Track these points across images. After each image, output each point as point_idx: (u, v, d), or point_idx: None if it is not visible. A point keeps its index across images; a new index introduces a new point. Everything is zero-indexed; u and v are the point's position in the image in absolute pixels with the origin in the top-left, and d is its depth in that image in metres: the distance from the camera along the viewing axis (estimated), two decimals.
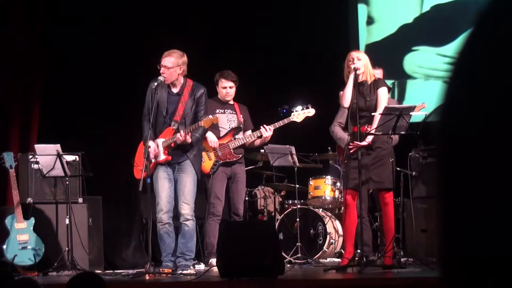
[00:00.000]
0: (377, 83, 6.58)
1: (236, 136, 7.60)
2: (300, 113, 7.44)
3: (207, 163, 7.40)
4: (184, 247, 6.77)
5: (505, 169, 0.70)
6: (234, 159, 7.53)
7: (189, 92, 6.78)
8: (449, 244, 0.76)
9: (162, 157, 6.72)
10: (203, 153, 7.29)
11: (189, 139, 6.64)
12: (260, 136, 7.52)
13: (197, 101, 6.77)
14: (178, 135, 6.59)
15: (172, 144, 6.69)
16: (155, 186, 6.76)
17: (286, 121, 7.46)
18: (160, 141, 6.72)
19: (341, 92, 6.50)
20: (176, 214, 6.87)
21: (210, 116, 6.68)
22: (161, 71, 6.68)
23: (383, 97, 6.51)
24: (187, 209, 6.71)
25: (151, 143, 6.62)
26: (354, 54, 6.61)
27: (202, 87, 6.86)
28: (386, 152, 6.50)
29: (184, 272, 6.58)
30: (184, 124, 6.70)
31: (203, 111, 6.78)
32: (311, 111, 7.47)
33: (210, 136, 7.38)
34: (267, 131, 7.43)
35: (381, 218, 7.45)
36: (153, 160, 6.69)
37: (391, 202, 6.46)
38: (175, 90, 6.79)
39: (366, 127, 6.43)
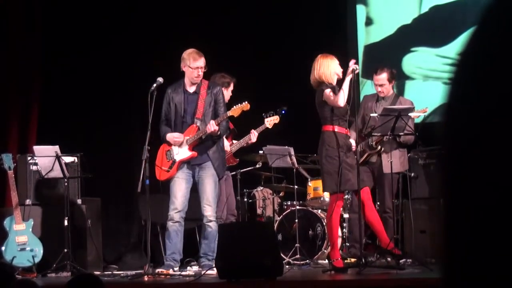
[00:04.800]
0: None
1: (234, 141, 7.65)
2: (269, 120, 7.58)
3: None
4: (207, 247, 6.84)
5: (508, 169, 0.70)
6: (235, 163, 7.61)
7: (206, 90, 6.87)
8: (451, 244, 0.75)
9: (188, 153, 6.79)
10: None
11: (217, 130, 6.72)
12: (249, 140, 7.61)
13: (216, 99, 6.88)
14: (208, 125, 6.67)
15: (196, 141, 6.76)
16: (171, 185, 6.83)
17: (261, 128, 7.59)
18: (184, 139, 6.79)
19: (338, 93, 6.48)
20: (186, 216, 6.94)
21: (239, 104, 6.79)
22: (196, 74, 6.77)
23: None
24: (209, 211, 6.79)
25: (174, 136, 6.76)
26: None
27: (217, 84, 7.02)
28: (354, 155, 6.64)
29: (183, 273, 6.59)
30: (204, 121, 6.77)
31: (223, 108, 6.91)
32: (276, 118, 7.60)
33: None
34: (255, 136, 7.57)
35: (383, 219, 7.48)
36: (177, 159, 6.75)
37: (371, 197, 6.62)
38: (191, 90, 6.89)
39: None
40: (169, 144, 6.89)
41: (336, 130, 6.54)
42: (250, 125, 7.79)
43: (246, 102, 6.88)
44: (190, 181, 6.86)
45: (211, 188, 6.80)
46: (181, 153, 6.81)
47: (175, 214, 6.79)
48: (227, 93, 7.52)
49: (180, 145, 6.81)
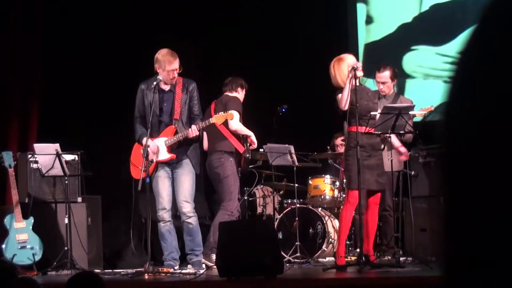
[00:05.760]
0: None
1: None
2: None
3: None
4: (192, 243, 6.81)
5: (508, 168, 0.70)
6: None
7: (181, 88, 6.80)
8: (452, 242, 0.76)
9: (167, 155, 6.73)
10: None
11: (198, 135, 6.69)
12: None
13: (190, 96, 6.80)
14: (190, 130, 6.60)
15: (175, 144, 6.72)
16: (154, 185, 6.78)
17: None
18: (162, 140, 6.74)
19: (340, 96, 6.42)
20: (174, 213, 6.90)
21: (222, 113, 6.71)
22: (171, 76, 6.67)
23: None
24: (188, 207, 6.74)
25: (150, 142, 6.62)
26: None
27: (192, 81, 6.90)
28: (381, 155, 6.58)
29: (183, 271, 6.59)
30: (181, 121, 6.72)
31: (197, 105, 6.83)
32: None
33: (253, 135, 7.36)
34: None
35: (384, 217, 7.48)
36: (154, 160, 6.70)
37: (378, 202, 6.58)
38: (166, 88, 6.81)
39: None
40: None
41: (354, 130, 6.49)
42: (251, 124, 7.80)
43: (231, 112, 6.81)
44: (171, 178, 6.83)
45: (189, 185, 6.76)
46: (160, 154, 6.73)
47: (165, 214, 6.77)
48: (242, 93, 7.51)
49: (158, 145, 6.74)
